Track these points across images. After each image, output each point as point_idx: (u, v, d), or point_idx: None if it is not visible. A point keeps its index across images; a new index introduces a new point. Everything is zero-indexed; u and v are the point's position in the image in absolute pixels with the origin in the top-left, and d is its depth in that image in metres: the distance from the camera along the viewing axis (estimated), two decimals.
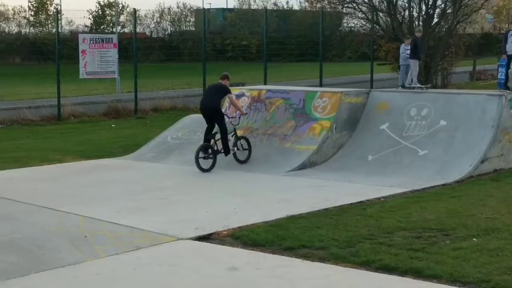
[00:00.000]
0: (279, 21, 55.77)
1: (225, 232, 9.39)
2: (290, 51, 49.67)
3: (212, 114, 14.51)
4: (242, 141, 14.89)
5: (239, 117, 15.24)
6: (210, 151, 14.38)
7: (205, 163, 14.22)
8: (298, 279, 7.52)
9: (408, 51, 19.59)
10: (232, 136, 14.81)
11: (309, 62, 42.59)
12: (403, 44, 21.01)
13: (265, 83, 26.51)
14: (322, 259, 8.17)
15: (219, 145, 14.57)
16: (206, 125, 14.64)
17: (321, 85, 27.95)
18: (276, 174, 13.66)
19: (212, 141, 14.55)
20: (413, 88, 18.29)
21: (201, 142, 14.58)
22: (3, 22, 58.09)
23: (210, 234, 9.32)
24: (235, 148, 14.70)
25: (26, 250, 7.94)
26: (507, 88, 17.29)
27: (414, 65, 19.10)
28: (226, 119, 14.81)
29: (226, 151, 14.53)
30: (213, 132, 14.59)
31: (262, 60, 28.75)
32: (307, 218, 10.04)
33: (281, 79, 32.82)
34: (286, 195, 11.76)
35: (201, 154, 14.25)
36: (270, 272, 7.73)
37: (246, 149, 14.82)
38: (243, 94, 16.51)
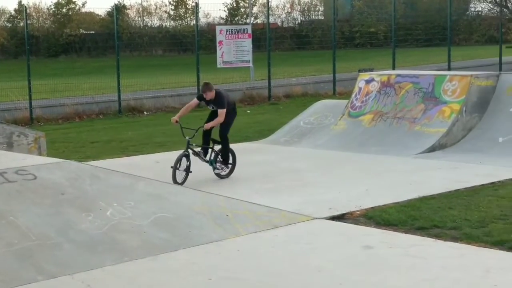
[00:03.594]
0: (405, 8, 55.28)
1: (358, 212, 9.69)
2: (417, 37, 49.24)
3: None
4: None
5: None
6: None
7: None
8: (431, 257, 7.66)
9: None
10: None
11: (435, 47, 42.12)
12: None
13: (393, 69, 26.53)
14: (455, 239, 8.31)
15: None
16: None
17: (449, 69, 27.74)
18: (406, 156, 13.84)
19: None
20: None
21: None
22: (146, 17, 60.71)
23: (344, 214, 9.63)
24: None
25: (175, 228, 8.43)
26: None
27: None
28: None
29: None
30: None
31: (389, 46, 28.73)
32: (438, 199, 10.21)
33: (408, 64, 32.66)
34: (417, 176, 11.92)
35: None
36: (404, 251, 7.92)
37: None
38: (372, 79, 16.72)
